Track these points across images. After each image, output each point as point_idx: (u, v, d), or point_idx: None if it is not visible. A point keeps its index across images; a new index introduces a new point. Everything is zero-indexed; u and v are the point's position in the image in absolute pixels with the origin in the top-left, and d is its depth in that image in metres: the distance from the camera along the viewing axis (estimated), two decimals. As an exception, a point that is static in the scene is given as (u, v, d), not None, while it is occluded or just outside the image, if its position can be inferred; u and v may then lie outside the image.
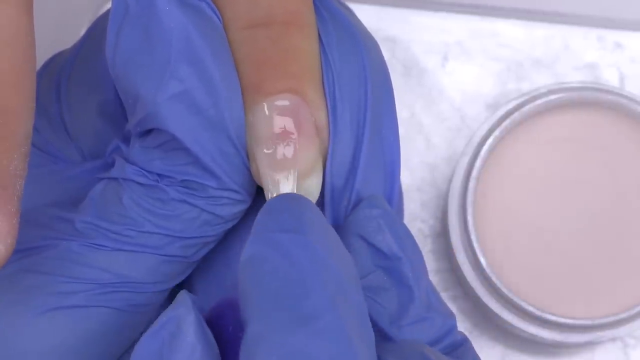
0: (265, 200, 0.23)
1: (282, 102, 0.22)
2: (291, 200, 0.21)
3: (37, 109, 0.26)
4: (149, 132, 0.23)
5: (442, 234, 0.43)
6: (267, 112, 0.22)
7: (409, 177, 0.44)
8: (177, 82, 0.22)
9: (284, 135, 0.22)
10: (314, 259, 0.20)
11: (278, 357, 0.19)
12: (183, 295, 0.21)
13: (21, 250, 0.23)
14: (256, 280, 0.20)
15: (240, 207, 0.23)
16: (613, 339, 0.42)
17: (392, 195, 0.24)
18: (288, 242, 0.20)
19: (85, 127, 0.26)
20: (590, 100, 0.40)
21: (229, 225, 0.24)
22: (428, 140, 0.44)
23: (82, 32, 0.27)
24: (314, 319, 0.19)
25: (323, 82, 0.23)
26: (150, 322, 0.25)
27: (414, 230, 0.44)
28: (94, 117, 0.26)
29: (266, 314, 0.19)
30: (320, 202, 0.23)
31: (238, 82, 0.22)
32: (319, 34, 0.23)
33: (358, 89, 0.23)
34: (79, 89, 0.26)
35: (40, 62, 0.27)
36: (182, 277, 0.24)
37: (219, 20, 0.22)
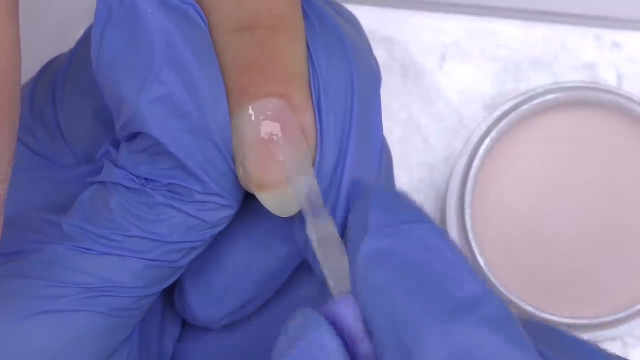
0: (252, 205, 0.23)
1: (268, 106, 0.22)
2: (395, 195, 0.21)
3: (34, 113, 0.26)
4: (135, 136, 0.23)
5: (441, 234, 0.43)
6: (253, 117, 0.22)
7: (407, 177, 0.44)
8: (160, 86, 0.21)
9: (271, 140, 0.22)
10: (451, 247, 0.20)
11: (451, 347, 0.18)
12: (316, 317, 0.20)
13: (7, 254, 0.23)
14: (397, 275, 0.19)
15: (227, 213, 0.23)
16: (613, 339, 0.42)
17: None
18: (424, 232, 0.20)
19: (80, 131, 0.26)
20: (588, 100, 0.40)
21: (216, 230, 0.23)
22: (426, 141, 0.44)
23: (80, 36, 0.27)
24: (477, 307, 0.19)
25: (310, 87, 0.23)
26: (136, 326, 0.25)
27: (412, 231, 0.44)
28: (89, 121, 0.26)
29: (420, 306, 0.19)
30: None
31: (223, 86, 0.22)
32: (307, 39, 0.23)
33: (345, 96, 0.23)
34: (75, 93, 0.26)
35: (38, 66, 0.27)
36: (169, 282, 0.24)
37: (205, 23, 0.22)
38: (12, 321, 0.23)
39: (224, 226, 0.24)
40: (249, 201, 0.24)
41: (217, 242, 0.25)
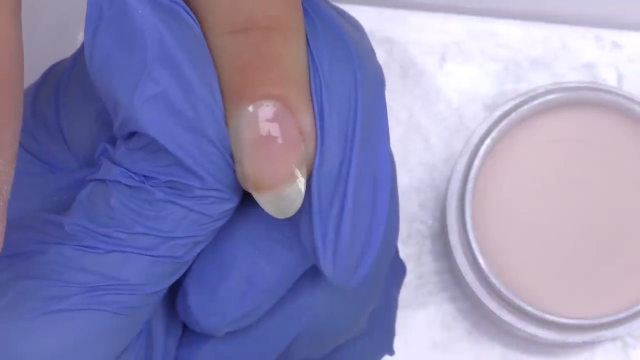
0: (255, 212, 0.23)
1: (264, 107, 0.22)
2: None
3: (36, 116, 0.26)
4: (132, 134, 0.23)
5: (441, 234, 0.43)
6: (249, 118, 0.22)
7: (407, 177, 0.44)
8: (153, 84, 0.21)
9: (268, 141, 0.22)
10: None
11: None
12: None
13: (12, 256, 0.23)
14: None
15: (229, 206, 0.23)
16: (613, 339, 0.42)
17: (383, 203, 0.24)
18: None
19: (82, 134, 0.26)
20: (588, 100, 0.40)
21: (219, 224, 0.23)
22: (426, 141, 0.44)
23: (79, 38, 0.27)
24: None
25: (311, 89, 0.23)
26: (146, 323, 0.25)
27: (412, 232, 0.44)
28: (91, 124, 0.26)
29: None
30: (308, 210, 0.23)
31: (217, 86, 0.22)
32: (308, 40, 0.23)
33: (348, 97, 0.23)
34: (77, 96, 0.26)
35: (40, 70, 0.27)
36: (176, 277, 0.24)
37: (195, 22, 0.22)
38: (23, 321, 0.23)
39: (227, 219, 0.24)
40: (252, 208, 0.24)
41: (221, 249, 0.25)
